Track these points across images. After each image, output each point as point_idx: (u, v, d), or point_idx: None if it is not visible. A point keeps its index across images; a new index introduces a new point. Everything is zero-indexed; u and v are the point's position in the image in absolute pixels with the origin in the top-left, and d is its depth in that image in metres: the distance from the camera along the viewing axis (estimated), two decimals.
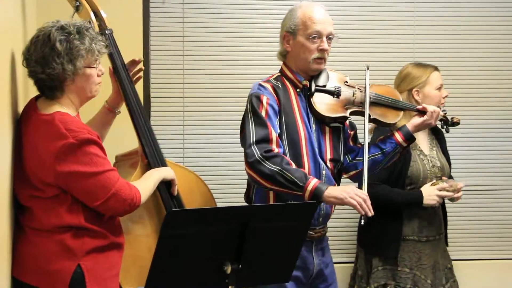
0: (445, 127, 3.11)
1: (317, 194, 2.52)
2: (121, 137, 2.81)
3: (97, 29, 2.48)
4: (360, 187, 2.67)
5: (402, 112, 2.88)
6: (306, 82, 2.70)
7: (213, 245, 2.09)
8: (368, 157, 2.77)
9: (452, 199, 3.27)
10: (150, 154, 2.61)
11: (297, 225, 2.25)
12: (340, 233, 3.83)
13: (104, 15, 2.60)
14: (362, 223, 2.58)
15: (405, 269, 3.20)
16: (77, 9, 2.58)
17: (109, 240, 2.31)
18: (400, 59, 3.68)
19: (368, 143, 2.88)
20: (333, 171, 2.77)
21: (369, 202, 2.56)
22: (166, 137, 3.68)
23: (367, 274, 3.30)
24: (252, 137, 2.55)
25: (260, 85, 2.66)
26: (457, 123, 3.10)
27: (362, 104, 2.76)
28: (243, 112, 2.72)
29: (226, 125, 3.73)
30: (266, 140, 2.55)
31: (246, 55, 3.76)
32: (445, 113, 3.05)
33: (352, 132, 2.89)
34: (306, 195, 2.52)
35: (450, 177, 3.34)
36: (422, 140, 3.29)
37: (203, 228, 2.03)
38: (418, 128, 2.88)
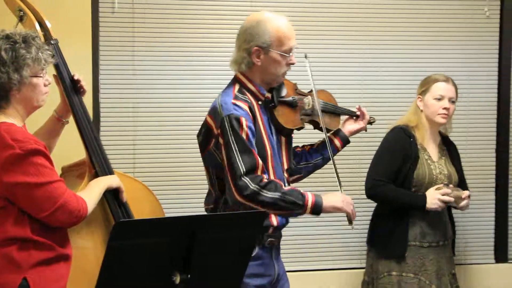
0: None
1: (317, 208, 2.57)
2: (69, 148, 2.77)
3: (42, 39, 2.44)
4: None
5: (341, 117, 2.95)
6: (268, 95, 2.68)
7: (162, 255, 2.07)
8: (311, 163, 2.89)
9: (460, 208, 3.30)
10: (97, 164, 2.57)
11: (247, 233, 2.25)
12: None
13: (49, 25, 2.56)
14: (352, 228, 2.64)
15: (409, 274, 3.24)
16: (21, 19, 2.54)
17: (56, 252, 2.27)
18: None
19: (306, 146, 2.95)
20: (288, 180, 2.79)
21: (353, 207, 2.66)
22: (116, 148, 3.65)
23: (373, 280, 3.34)
24: (241, 168, 2.49)
25: (235, 104, 2.57)
26: (373, 122, 3.13)
27: (313, 113, 2.79)
28: (205, 129, 2.63)
29: (177, 136, 3.72)
30: (254, 168, 2.51)
31: (197, 65, 3.76)
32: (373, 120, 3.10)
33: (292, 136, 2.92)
34: (308, 211, 2.57)
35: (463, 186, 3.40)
36: (432, 148, 3.36)
37: (152, 238, 2.01)
38: (353, 133, 2.95)
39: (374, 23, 3.93)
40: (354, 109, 2.98)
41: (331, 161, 2.79)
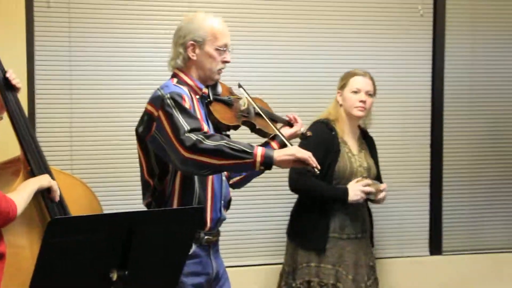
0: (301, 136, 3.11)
1: (268, 157, 2.46)
2: (4, 145, 2.73)
3: None
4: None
5: (276, 124, 2.95)
6: (206, 90, 2.72)
7: (99, 252, 2.06)
8: None
9: (377, 201, 3.41)
10: (32, 161, 2.53)
11: (184, 229, 2.25)
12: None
13: None
14: (317, 172, 2.55)
15: (328, 265, 3.31)
16: None
17: None
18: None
19: None
20: (228, 178, 2.81)
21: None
22: (53, 144, 3.60)
23: (293, 270, 3.38)
24: (185, 126, 2.45)
25: (176, 85, 2.61)
26: (307, 136, 3.15)
27: (249, 114, 2.82)
28: (144, 114, 2.60)
29: (114, 131, 3.69)
30: (199, 129, 2.47)
31: (134, 60, 3.73)
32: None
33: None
34: (258, 159, 2.44)
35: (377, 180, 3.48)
36: (352, 141, 3.44)
37: (88, 235, 2.00)
38: (289, 138, 2.94)
39: (309, 21, 3.96)
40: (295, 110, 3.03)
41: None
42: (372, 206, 4.04)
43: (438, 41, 4.12)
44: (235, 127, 2.80)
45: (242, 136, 2.93)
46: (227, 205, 2.80)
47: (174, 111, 2.50)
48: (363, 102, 3.36)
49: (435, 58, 4.14)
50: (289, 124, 2.98)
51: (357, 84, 3.39)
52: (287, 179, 3.36)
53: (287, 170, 3.36)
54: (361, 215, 3.42)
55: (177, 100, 2.52)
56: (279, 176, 3.56)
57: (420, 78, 4.13)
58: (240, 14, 3.87)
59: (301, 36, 3.96)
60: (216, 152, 2.42)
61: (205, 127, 2.50)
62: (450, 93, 4.18)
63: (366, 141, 3.54)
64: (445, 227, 4.22)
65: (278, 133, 2.80)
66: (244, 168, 2.56)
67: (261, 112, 2.81)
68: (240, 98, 2.84)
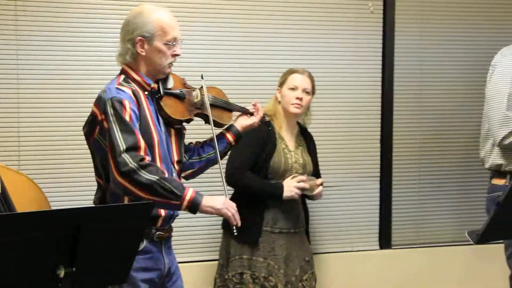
0: (261, 124, 3.16)
1: (194, 204, 2.51)
2: None
3: None
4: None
5: (233, 113, 2.97)
6: (154, 85, 2.67)
7: (45, 248, 2.03)
8: (204, 157, 2.89)
9: (313, 197, 3.45)
10: None
11: (133, 225, 2.23)
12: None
13: None
14: (236, 233, 2.63)
15: (259, 258, 3.35)
16: None
17: None
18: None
19: (198, 142, 2.96)
20: (179, 173, 2.79)
21: (237, 212, 2.62)
22: (0, 140, 3.54)
23: (227, 263, 3.42)
24: (122, 145, 2.45)
25: (118, 88, 2.56)
26: (269, 122, 3.26)
27: (202, 106, 2.80)
28: (90, 116, 2.59)
29: (63, 127, 3.63)
30: (136, 147, 2.47)
31: (82, 58, 3.67)
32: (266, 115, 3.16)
33: (185, 131, 2.93)
34: (184, 204, 2.50)
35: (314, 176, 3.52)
36: (289, 137, 3.48)
37: (33, 231, 1.96)
38: (246, 128, 2.98)
39: (262, 17, 3.97)
40: (249, 106, 3.00)
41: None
42: (322, 200, 4.08)
43: (388, 37, 4.17)
44: (187, 121, 2.78)
45: (198, 128, 2.93)
46: None
47: (113, 125, 2.48)
48: (300, 99, 3.40)
49: (385, 54, 4.18)
50: (248, 112, 2.99)
51: (295, 81, 3.43)
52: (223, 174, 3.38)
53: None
54: (295, 211, 3.45)
55: (117, 110, 2.49)
56: (215, 172, 3.55)
57: (370, 73, 4.17)
58: (189, 8, 3.85)
59: (254, 32, 3.96)
60: (146, 187, 2.45)
61: (142, 143, 2.49)
62: (400, 89, 4.23)
63: (305, 138, 3.58)
64: (394, 221, 4.28)
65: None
66: (170, 208, 2.60)
67: (207, 104, 2.78)
68: (193, 90, 2.80)
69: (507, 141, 3.19)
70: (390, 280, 4.24)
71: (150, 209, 2.40)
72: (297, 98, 3.40)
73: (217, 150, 2.78)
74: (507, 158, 3.29)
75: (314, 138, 3.98)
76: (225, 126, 2.94)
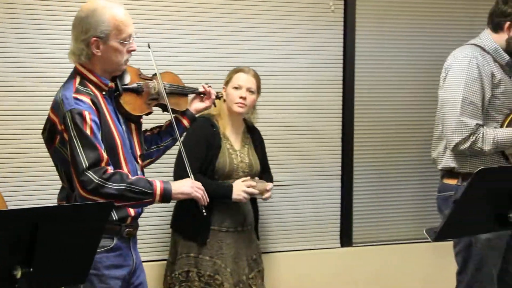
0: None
1: (166, 194, 2.56)
2: None
3: None
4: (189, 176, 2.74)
5: (189, 96, 2.99)
6: (112, 84, 2.63)
7: (2, 249, 2.00)
8: (162, 145, 2.91)
9: (264, 199, 3.48)
10: None
11: (92, 225, 2.21)
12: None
13: None
14: (204, 213, 2.69)
15: (206, 257, 3.37)
16: None
17: None
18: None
19: (154, 129, 2.95)
20: (142, 167, 2.78)
21: (205, 191, 2.69)
22: None
23: (175, 261, 3.44)
24: (84, 162, 2.42)
25: (76, 98, 2.49)
26: (221, 96, 3.27)
27: (159, 95, 2.79)
28: (50, 125, 2.54)
29: (21, 126, 3.58)
30: (98, 162, 2.45)
31: (36, 56, 3.63)
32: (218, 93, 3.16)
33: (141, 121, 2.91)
34: (157, 199, 2.55)
35: (267, 175, 3.57)
36: (235, 137, 3.49)
37: None
38: (200, 111, 3.01)
39: (222, 15, 3.96)
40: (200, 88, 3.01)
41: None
42: (283, 199, 4.12)
43: (349, 36, 4.19)
44: (147, 114, 2.77)
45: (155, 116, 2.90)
46: None
47: (74, 140, 2.45)
48: (243, 98, 3.41)
49: (346, 53, 4.20)
50: (202, 94, 2.99)
51: (239, 80, 3.44)
52: (172, 175, 3.39)
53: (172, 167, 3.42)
54: (242, 209, 3.47)
55: (77, 123, 2.45)
56: (164, 171, 3.55)
57: (332, 72, 4.20)
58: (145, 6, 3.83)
59: (213, 31, 3.95)
60: (117, 196, 2.46)
61: (103, 155, 2.47)
62: (361, 87, 4.26)
63: (252, 136, 3.59)
64: (355, 219, 4.31)
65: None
66: (143, 206, 2.66)
67: (164, 94, 2.77)
68: (150, 80, 2.78)
69: (461, 147, 3.18)
70: (351, 277, 4.27)
71: (110, 209, 2.38)
72: (241, 97, 3.42)
73: (180, 141, 2.82)
74: (459, 161, 3.29)
75: (276, 136, 4.02)
76: (180, 112, 2.94)
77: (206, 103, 3.00)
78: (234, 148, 3.47)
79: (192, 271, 3.38)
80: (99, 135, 2.50)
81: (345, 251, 4.29)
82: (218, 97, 3.12)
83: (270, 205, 4.08)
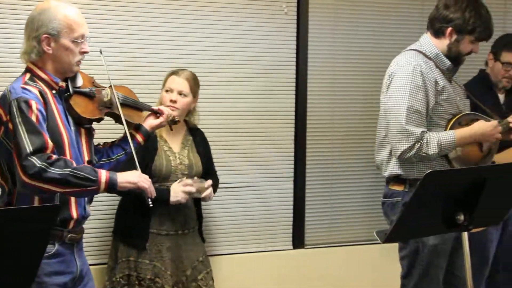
0: (170, 123, 3.14)
1: (112, 183, 2.53)
2: None
3: None
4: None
5: (143, 112, 2.94)
6: (63, 84, 2.60)
7: None
8: (113, 158, 2.85)
9: (204, 198, 3.44)
10: None
11: (37, 229, 2.16)
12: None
13: None
14: (151, 204, 2.67)
15: (145, 260, 3.36)
16: None
17: None
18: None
19: (107, 143, 2.91)
20: None
21: (152, 184, 2.68)
22: None
23: (116, 265, 3.42)
24: (28, 147, 2.39)
25: (24, 88, 2.48)
26: (178, 122, 3.21)
27: (112, 105, 2.75)
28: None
29: None
30: (43, 148, 2.41)
31: None
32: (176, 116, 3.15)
33: (94, 132, 2.87)
34: (102, 187, 2.51)
35: (211, 178, 3.53)
36: (174, 139, 3.46)
37: None
38: (154, 128, 2.96)
39: (171, 19, 3.92)
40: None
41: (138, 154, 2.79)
42: (236, 200, 4.11)
43: (302, 39, 4.20)
44: (98, 120, 2.73)
45: (107, 127, 2.87)
46: (91, 200, 2.76)
47: (19, 126, 2.42)
48: (173, 101, 3.37)
49: (299, 55, 4.21)
50: (157, 112, 2.96)
51: (171, 83, 3.43)
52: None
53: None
54: (183, 212, 3.45)
55: (23, 110, 2.43)
56: None
57: (285, 75, 4.20)
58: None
59: (162, 31, 3.90)
60: (60, 181, 2.42)
61: (49, 143, 2.44)
62: (313, 89, 4.27)
63: (194, 137, 3.56)
64: (307, 221, 4.32)
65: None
66: (88, 194, 2.61)
67: (117, 102, 2.73)
68: (103, 89, 2.75)
69: (407, 155, 3.18)
70: (303, 279, 4.28)
71: (55, 212, 2.33)
72: (171, 100, 3.38)
73: (132, 148, 2.76)
74: (405, 168, 3.29)
75: (228, 138, 4.00)
76: (133, 126, 2.89)
77: (160, 119, 2.95)
78: (173, 150, 3.44)
79: (133, 275, 3.36)
80: (44, 125, 2.47)
81: (297, 253, 4.29)
82: (174, 122, 3.08)
83: (222, 207, 4.07)
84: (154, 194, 2.67)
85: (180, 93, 3.41)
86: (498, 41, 4.05)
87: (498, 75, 4.04)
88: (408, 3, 4.45)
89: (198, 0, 3.96)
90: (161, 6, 3.89)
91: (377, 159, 3.45)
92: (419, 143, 3.16)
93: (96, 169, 2.54)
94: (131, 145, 2.76)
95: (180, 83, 3.42)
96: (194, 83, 3.47)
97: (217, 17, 4.01)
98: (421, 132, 3.17)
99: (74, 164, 2.49)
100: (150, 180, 2.68)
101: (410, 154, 3.18)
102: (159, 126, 2.98)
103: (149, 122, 2.93)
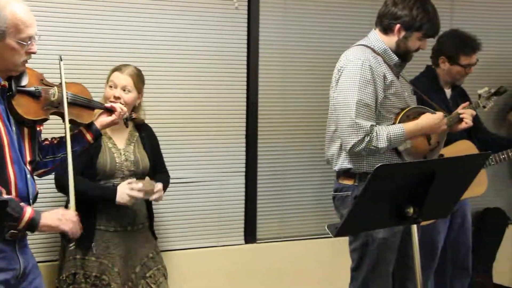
0: (126, 121, 3.15)
1: (32, 224, 2.49)
2: None
3: None
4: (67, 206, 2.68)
5: (94, 111, 2.88)
6: (5, 83, 2.52)
7: None
8: (59, 156, 2.79)
9: (153, 200, 3.43)
10: None
11: None
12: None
13: None
14: (71, 247, 2.69)
15: (92, 258, 3.31)
16: None
17: None
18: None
19: (54, 139, 2.84)
20: (32, 173, 2.67)
21: (77, 223, 2.61)
22: None
23: (63, 264, 3.37)
24: None
25: None
26: (135, 118, 3.20)
27: (60, 104, 2.68)
28: None
29: None
30: None
31: None
32: (131, 112, 3.09)
33: (42, 127, 2.81)
34: (23, 225, 2.47)
35: (161, 175, 3.52)
36: (119, 135, 3.40)
37: None
38: (106, 126, 2.92)
39: (126, 15, 3.89)
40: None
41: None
42: (187, 196, 4.10)
43: (253, 33, 4.20)
44: (42, 121, 2.66)
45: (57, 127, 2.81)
46: (35, 199, 2.69)
47: None
48: (116, 98, 3.33)
49: (249, 50, 4.21)
50: (109, 110, 2.91)
51: (114, 79, 3.38)
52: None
53: None
54: (132, 209, 3.40)
55: None
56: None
57: (236, 70, 4.19)
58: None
59: (107, 29, 3.85)
60: None
61: None
62: (265, 84, 4.28)
63: (141, 133, 3.52)
64: (259, 216, 4.33)
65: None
66: (7, 229, 2.51)
67: (64, 103, 2.66)
68: (51, 87, 2.67)
69: (357, 148, 3.21)
70: (256, 273, 4.29)
71: (3, 207, 2.29)
72: (114, 96, 3.33)
73: (69, 152, 2.67)
74: (355, 161, 3.32)
75: (178, 133, 3.98)
76: (83, 125, 2.84)
77: (113, 116, 2.90)
78: (118, 147, 3.40)
79: (79, 273, 3.31)
80: None
81: (249, 248, 4.30)
82: (131, 118, 3.04)
83: (173, 202, 4.04)
84: (77, 235, 2.62)
85: (123, 89, 3.36)
86: (448, 45, 4.10)
87: (456, 75, 4.12)
88: None
89: None
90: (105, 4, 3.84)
91: (327, 153, 3.47)
92: (369, 137, 3.20)
93: (23, 205, 2.47)
94: (68, 147, 2.67)
95: (123, 79, 3.37)
96: (138, 79, 3.42)
97: (165, 11, 3.98)
98: (371, 125, 3.20)
99: (3, 196, 2.42)
100: (75, 219, 2.61)
101: (360, 147, 3.21)
102: (111, 124, 2.93)
103: (100, 120, 2.88)
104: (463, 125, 3.62)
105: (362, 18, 4.45)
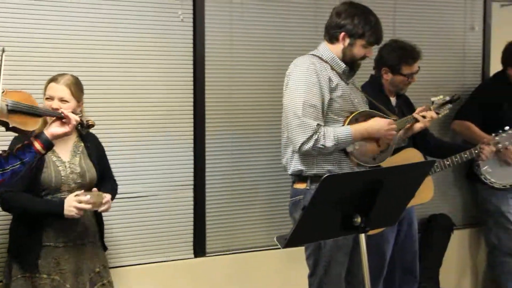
0: (81, 129, 3.09)
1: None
2: None
3: None
4: None
5: (41, 118, 2.81)
6: None
7: None
8: (8, 169, 2.72)
9: (102, 211, 3.35)
10: None
11: None
12: None
13: None
14: None
15: (43, 275, 3.23)
16: None
17: None
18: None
19: (5, 152, 2.78)
20: None
21: None
22: None
23: (10, 283, 3.26)
24: None
25: None
26: (92, 125, 3.12)
27: (1, 112, 2.61)
28: None
29: None
30: None
31: None
32: (81, 117, 3.03)
33: None
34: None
35: (108, 182, 3.47)
36: (63, 148, 3.31)
37: None
38: (57, 136, 2.85)
39: (62, 23, 3.83)
40: None
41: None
42: (135, 210, 4.04)
43: (199, 46, 4.18)
44: None
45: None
46: None
47: None
48: (55, 109, 3.20)
49: (195, 62, 4.19)
50: (60, 117, 2.84)
51: (50, 91, 3.30)
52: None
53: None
54: (79, 223, 3.34)
55: None
56: None
57: (182, 83, 4.16)
58: None
59: (48, 37, 3.79)
60: None
61: None
62: (212, 97, 4.26)
63: (86, 143, 3.45)
64: (208, 229, 4.30)
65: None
66: None
67: (5, 110, 2.60)
68: None
69: (305, 147, 3.31)
70: (205, 287, 4.25)
71: None
72: (52, 108, 3.21)
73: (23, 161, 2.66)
74: (306, 163, 3.42)
75: (124, 147, 3.93)
76: (34, 133, 2.77)
77: (66, 128, 2.84)
78: (62, 159, 3.31)
79: None
80: None
81: (198, 261, 4.26)
82: (88, 126, 2.98)
83: (120, 217, 3.99)
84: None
85: (61, 100, 3.26)
86: (389, 56, 4.18)
87: (400, 84, 4.21)
88: (302, 8, 4.50)
89: None
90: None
91: (283, 159, 3.57)
92: (316, 135, 3.30)
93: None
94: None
95: (59, 90, 3.27)
96: (76, 88, 3.32)
97: (111, 24, 3.94)
98: (317, 124, 3.31)
99: None
100: None
101: (308, 146, 3.30)
102: (64, 135, 2.86)
103: (52, 130, 2.82)
104: (419, 125, 3.84)
105: (306, 27, 4.49)
